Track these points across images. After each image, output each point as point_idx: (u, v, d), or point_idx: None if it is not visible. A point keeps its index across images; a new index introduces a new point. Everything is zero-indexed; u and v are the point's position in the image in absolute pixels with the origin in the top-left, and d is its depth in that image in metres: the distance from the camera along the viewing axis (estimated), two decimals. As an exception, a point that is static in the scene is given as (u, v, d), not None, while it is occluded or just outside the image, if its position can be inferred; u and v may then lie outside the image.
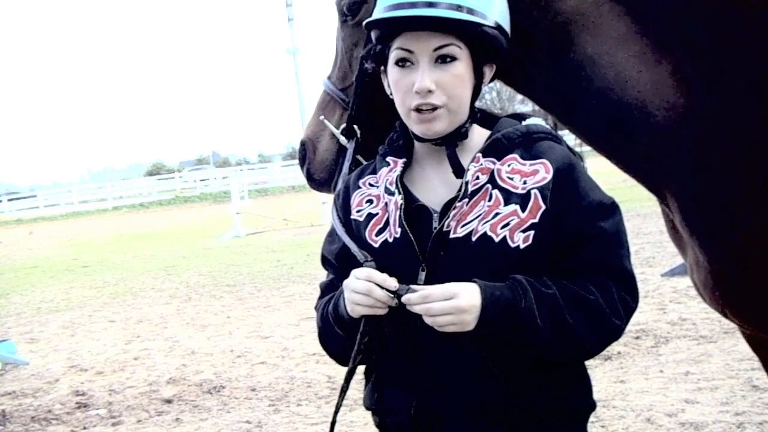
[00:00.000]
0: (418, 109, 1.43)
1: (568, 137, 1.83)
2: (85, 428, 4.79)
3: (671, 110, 1.65)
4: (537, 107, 1.89)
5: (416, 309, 1.34)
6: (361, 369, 1.56)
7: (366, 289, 1.37)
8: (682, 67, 1.64)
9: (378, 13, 1.47)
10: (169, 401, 5.13)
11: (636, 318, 5.64)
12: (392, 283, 1.37)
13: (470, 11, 1.41)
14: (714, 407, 3.88)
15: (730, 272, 1.66)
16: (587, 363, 1.54)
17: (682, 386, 4.26)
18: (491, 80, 1.57)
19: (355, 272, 1.41)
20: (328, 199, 1.78)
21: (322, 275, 1.68)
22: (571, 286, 1.38)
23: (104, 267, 13.98)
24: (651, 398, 4.13)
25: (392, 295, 1.36)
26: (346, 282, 1.43)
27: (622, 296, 1.41)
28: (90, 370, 6.21)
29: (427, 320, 1.34)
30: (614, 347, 4.99)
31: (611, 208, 1.45)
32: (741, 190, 1.58)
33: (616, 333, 1.42)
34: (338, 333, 1.50)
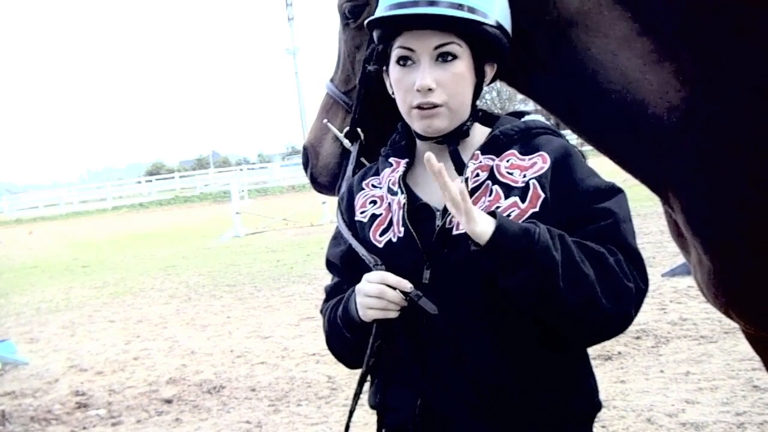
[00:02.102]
0: (419, 107, 1.43)
1: (570, 137, 1.82)
2: (84, 428, 4.79)
3: (674, 110, 1.65)
4: (539, 107, 1.89)
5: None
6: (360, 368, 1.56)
7: (379, 291, 1.37)
8: (685, 67, 1.64)
9: (379, 13, 1.48)
10: (169, 401, 5.13)
11: (636, 318, 5.60)
12: (407, 285, 1.37)
13: (471, 10, 1.42)
14: (714, 407, 3.88)
15: (733, 272, 1.66)
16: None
17: (682, 386, 4.26)
18: (492, 80, 1.58)
19: (368, 276, 1.42)
20: (328, 199, 1.77)
21: (322, 275, 1.68)
22: (580, 241, 1.34)
23: (104, 267, 13.98)
24: (651, 398, 4.12)
25: (404, 297, 1.37)
26: (358, 287, 1.42)
27: (630, 268, 1.36)
28: (90, 370, 6.21)
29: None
30: (614, 347, 4.98)
31: (609, 191, 1.42)
32: (743, 190, 1.58)
33: (627, 294, 1.34)
34: (347, 336, 1.49)
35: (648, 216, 11.10)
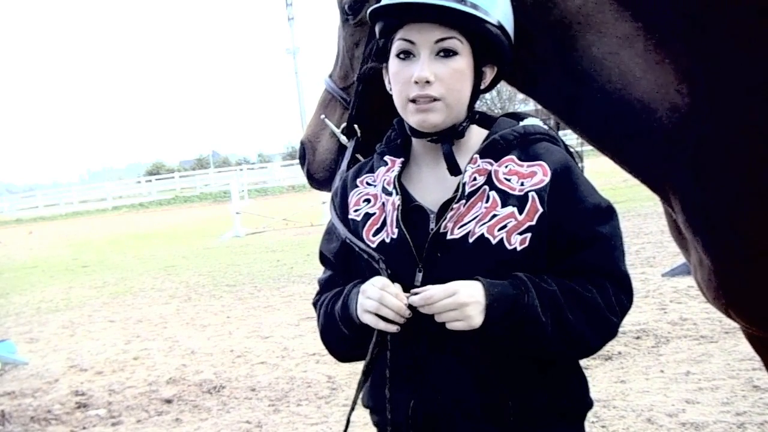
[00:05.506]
0: (415, 100, 1.43)
1: (570, 137, 1.82)
2: (84, 428, 4.79)
3: (675, 110, 1.64)
4: (539, 107, 1.89)
5: (422, 309, 1.35)
6: (359, 368, 1.55)
7: (379, 297, 1.37)
8: (685, 67, 1.63)
9: (384, 1, 1.47)
10: (168, 401, 5.13)
11: (636, 318, 5.68)
12: (404, 299, 1.37)
13: (474, 6, 1.42)
14: (715, 407, 3.88)
15: (733, 272, 1.66)
16: (588, 363, 1.54)
17: (682, 386, 4.25)
18: (492, 85, 1.57)
19: (373, 280, 1.40)
20: (328, 198, 1.78)
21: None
22: (570, 284, 1.40)
23: (104, 267, 13.97)
24: (651, 398, 4.12)
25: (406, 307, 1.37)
26: (363, 287, 1.42)
27: (618, 296, 1.43)
28: (90, 370, 6.20)
29: (437, 318, 1.35)
30: (615, 347, 4.98)
31: (608, 212, 1.46)
32: (744, 190, 1.58)
33: (613, 329, 1.44)
34: (344, 332, 1.49)
35: (648, 216, 11.11)
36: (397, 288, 1.38)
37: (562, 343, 1.38)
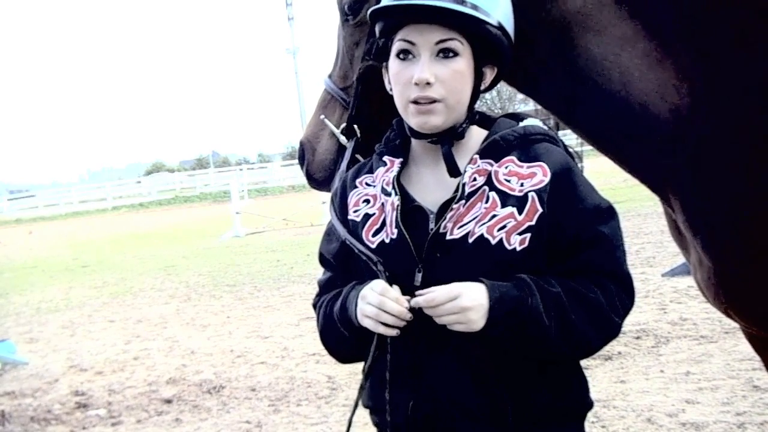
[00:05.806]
0: (415, 102, 1.43)
1: (570, 137, 1.82)
2: (84, 428, 4.79)
3: (675, 111, 1.64)
4: (539, 107, 1.89)
5: (425, 311, 1.36)
6: (359, 368, 1.56)
7: (379, 302, 1.37)
8: (685, 67, 1.64)
9: (384, 2, 1.47)
10: (168, 401, 5.13)
11: (636, 318, 5.68)
12: (405, 303, 1.37)
13: (474, 7, 1.42)
14: (715, 407, 3.88)
15: (733, 272, 1.66)
16: (588, 363, 1.55)
17: (682, 386, 4.25)
18: (492, 85, 1.57)
19: (373, 285, 1.41)
20: (328, 198, 1.79)
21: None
22: (573, 285, 1.40)
23: (104, 267, 13.97)
24: (651, 398, 4.12)
25: (407, 309, 1.37)
26: (362, 293, 1.42)
27: (621, 296, 1.43)
28: (89, 370, 6.21)
29: (437, 320, 1.36)
30: (615, 347, 4.98)
31: (609, 212, 1.46)
32: (744, 191, 1.58)
33: (615, 330, 1.44)
34: (343, 334, 1.50)
35: (648, 216, 11.11)
36: (396, 292, 1.38)
37: (564, 344, 1.38)
